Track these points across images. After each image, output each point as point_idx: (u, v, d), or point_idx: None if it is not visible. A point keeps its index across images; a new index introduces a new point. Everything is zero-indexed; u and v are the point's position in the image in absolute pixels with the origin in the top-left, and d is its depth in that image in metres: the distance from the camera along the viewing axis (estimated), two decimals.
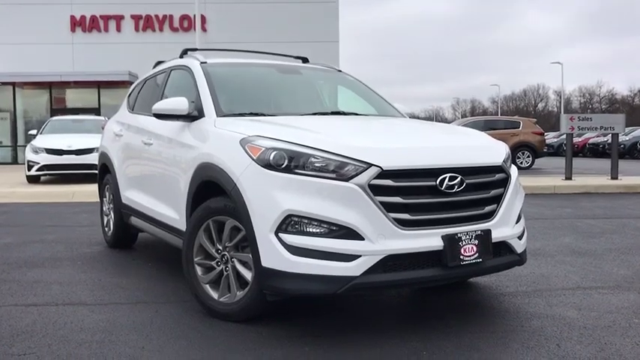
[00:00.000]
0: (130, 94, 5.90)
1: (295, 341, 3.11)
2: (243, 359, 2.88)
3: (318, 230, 2.99)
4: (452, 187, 3.15)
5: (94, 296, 4.01)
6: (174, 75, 4.82)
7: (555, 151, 33.81)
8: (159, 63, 5.70)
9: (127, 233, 5.57)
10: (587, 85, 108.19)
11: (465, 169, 3.23)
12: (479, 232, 3.21)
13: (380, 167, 3.00)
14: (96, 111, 23.68)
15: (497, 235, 3.30)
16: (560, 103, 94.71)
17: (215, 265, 3.50)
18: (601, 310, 3.59)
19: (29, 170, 12.34)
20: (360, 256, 2.95)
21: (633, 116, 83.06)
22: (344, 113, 4.14)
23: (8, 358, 2.91)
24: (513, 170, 3.61)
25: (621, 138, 27.09)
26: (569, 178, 11.71)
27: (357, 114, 4.22)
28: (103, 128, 14.11)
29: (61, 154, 12.28)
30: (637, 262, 4.95)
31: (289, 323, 3.36)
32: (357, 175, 2.99)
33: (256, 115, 3.87)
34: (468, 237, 3.16)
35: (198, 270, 3.58)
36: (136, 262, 5.13)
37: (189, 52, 4.95)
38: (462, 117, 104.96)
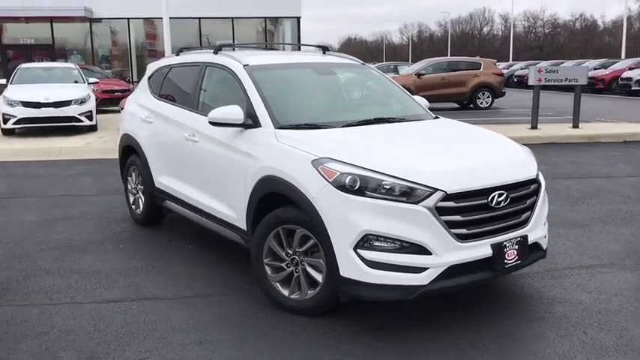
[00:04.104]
0: (150, 77, 6.07)
1: (368, 335, 3.65)
2: (332, 357, 3.42)
3: (391, 247, 3.48)
4: (499, 202, 3.67)
5: (161, 288, 4.42)
6: (211, 73, 5.05)
7: (505, 82, 34.74)
8: (181, 50, 5.88)
9: (157, 213, 5.91)
10: (532, 10, 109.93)
11: (510, 185, 3.75)
12: (519, 239, 3.77)
13: (444, 192, 3.48)
14: (50, 48, 22.94)
15: (531, 239, 3.89)
16: (504, 26, 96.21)
17: (285, 267, 3.96)
18: (608, 293, 4.27)
19: (5, 123, 12.17)
20: (428, 268, 3.48)
21: (574, 41, 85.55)
22: (386, 120, 4.55)
23: None
24: (541, 178, 4.15)
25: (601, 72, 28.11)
26: (534, 127, 12.46)
27: (394, 119, 4.64)
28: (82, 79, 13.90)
29: (39, 107, 12.12)
30: (621, 234, 5.68)
31: (353, 316, 3.88)
32: (425, 198, 3.46)
33: (310, 126, 4.22)
34: (510, 243, 3.73)
35: (268, 270, 4.04)
36: (174, 243, 5.52)
37: (223, 49, 5.19)
38: (409, 41, 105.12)
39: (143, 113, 5.83)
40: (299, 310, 3.92)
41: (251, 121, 4.31)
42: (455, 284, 3.59)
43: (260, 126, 4.26)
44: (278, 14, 23.64)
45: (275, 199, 4.01)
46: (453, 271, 3.55)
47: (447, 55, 63.76)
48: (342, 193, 3.53)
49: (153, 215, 5.94)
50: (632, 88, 25.24)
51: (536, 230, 3.96)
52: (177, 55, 5.83)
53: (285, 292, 3.97)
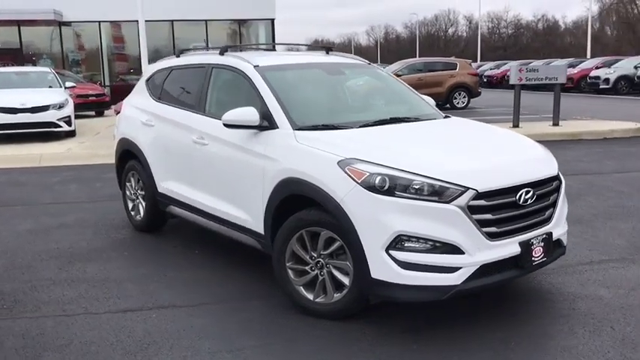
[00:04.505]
0: (148, 79, 5.93)
1: (400, 337, 3.61)
2: None
3: (424, 247, 3.45)
4: (527, 200, 3.67)
5: (177, 296, 4.31)
6: (218, 75, 4.95)
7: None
8: (182, 52, 5.76)
9: (159, 219, 5.78)
10: (495, 11, 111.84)
11: (536, 182, 3.76)
12: (544, 236, 3.78)
13: (476, 190, 3.46)
14: (18, 52, 22.38)
15: (555, 235, 3.90)
16: (468, 27, 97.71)
17: (309, 270, 3.89)
18: (625, 287, 4.31)
19: None
20: (461, 267, 3.45)
21: (536, 42, 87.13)
22: (401, 119, 4.52)
23: None
24: (561, 174, 4.18)
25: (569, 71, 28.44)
26: (516, 126, 12.63)
27: (409, 118, 4.61)
28: (66, 90, 13.49)
29: (16, 113, 11.76)
30: (624, 229, 5.76)
31: (382, 319, 3.84)
32: (456, 197, 3.44)
33: (328, 127, 4.16)
34: (537, 241, 3.73)
35: (291, 274, 3.96)
36: (179, 249, 5.39)
37: (229, 50, 5.10)
38: (375, 43, 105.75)
39: (143, 117, 5.68)
40: (324, 314, 3.85)
41: (267, 123, 4.23)
42: (485, 283, 3.57)
43: (277, 127, 4.19)
44: (252, 16, 23.48)
45: (295, 202, 3.95)
46: (484, 270, 3.53)
47: (415, 56, 64.39)
48: (372, 193, 3.48)
49: (155, 221, 5.80)
50: (600, 87, 25.83)
51: (559, 227, 3.98)
52: (178, 56, 5.71)
53: (310, 296, 3.90)
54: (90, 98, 17.29)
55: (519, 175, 3.69)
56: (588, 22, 40.60)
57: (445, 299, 3.50)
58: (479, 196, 3.48)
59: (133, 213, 6.04)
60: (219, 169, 4.64)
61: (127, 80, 23.88)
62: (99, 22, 22.61)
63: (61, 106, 12.14)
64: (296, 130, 4.10)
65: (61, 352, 3.50)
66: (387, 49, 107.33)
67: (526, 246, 3.66)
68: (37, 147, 11.37)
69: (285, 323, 3.84)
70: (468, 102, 19.43)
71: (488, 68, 38.20)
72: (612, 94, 25.19)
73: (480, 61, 54.29)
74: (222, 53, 5.06)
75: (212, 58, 5.12)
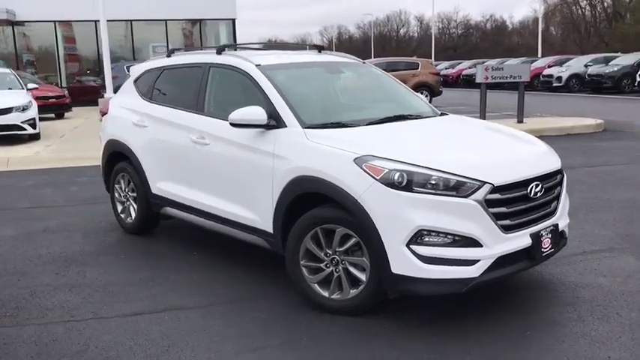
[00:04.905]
0: (137, 80, 5.83)
1: (418, 331, 3.67)
2: (392, 355, 3.41)
3: (443, 241, 3.52)
4: (536, 193, 3.80)
5: (185, 298, 4.26)
6: (217, 74, 4.91)
7: None
8: (172, 52, 5.69)
9: (152, 221, 5.70)
10: (445, 11, 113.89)
11: (544, 176, 3.89)
12: (551, 228, 3.91)
13: (492, 184, 3.56)
14: None
15: (560, 227, 4.04)
16: (419, 28, 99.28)
17: (324, 267, 3.92)
18: (621, 275, 4.49)
19: None
20: (479, 260, 3.54)
21: (485, 41, 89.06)
22: (405, 117, 4.59)
23: None
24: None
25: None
26: None
27: (412, 116, 4.68)
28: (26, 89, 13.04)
29: None
30: (606, 220, 5.99)
31: (396, 313, 3.89)
32: (474, 192, 3.52)
33: (336, 125, 4.20)
34: (545, 232, 3.86)
35: (305, 271, 3.98)
36: (177, 251, 5.32)
37: (226, 50, 5.08)
38: (329, 43, 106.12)
39: (134, 117, 5.58)
40: (339, 311, 3.88)
41: (274, 122, 4.23)
42: (500, 275, 3.68)
43: (285, 126, 4.19)
44: (213, 16, 23.28)
45: (305, 200, 3.96)
46: (500, 262, 3.62)
47: (370, 56, 64.90)
48: (392, 189, 3.53)
49: (147, 223, 5.72)
50: (553, 85, 26.64)
51: (562, 219, 4.12)
52: (169, 56, 5.64)
53: (325, 293, 3.92)
54: (50, 100, 16.81)
55: (530, 169, 3.81)
56: (539, 23, 41.78)
57: (464, 292, 3.58)
58: (494, 190, 3.58)
59: (123, 215, 5.93)
60: (223, 169, 4.61)
61: (83, 82, 23.31)
62: (54, 21, 21.99)
63: (24, 109, 11.79)
64: (305, 128, 4.11)
65: (79, 358, 3.43)
66: (340, 49, 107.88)
67: (536, 237, 3.78)
68: (2, 150, 11.01)
69: (303, 321, 3.85)
70: (430, 101, 19.73)
71: (444, 68, 38.90)
72: (565, 91, 26.04)
73: (436, 60, 55.20)
74: (219, 52, 5.02)
75: (209, 57, 5.07)
